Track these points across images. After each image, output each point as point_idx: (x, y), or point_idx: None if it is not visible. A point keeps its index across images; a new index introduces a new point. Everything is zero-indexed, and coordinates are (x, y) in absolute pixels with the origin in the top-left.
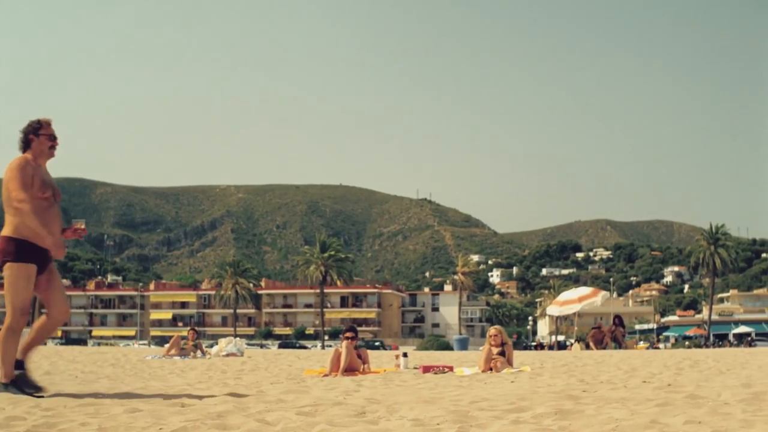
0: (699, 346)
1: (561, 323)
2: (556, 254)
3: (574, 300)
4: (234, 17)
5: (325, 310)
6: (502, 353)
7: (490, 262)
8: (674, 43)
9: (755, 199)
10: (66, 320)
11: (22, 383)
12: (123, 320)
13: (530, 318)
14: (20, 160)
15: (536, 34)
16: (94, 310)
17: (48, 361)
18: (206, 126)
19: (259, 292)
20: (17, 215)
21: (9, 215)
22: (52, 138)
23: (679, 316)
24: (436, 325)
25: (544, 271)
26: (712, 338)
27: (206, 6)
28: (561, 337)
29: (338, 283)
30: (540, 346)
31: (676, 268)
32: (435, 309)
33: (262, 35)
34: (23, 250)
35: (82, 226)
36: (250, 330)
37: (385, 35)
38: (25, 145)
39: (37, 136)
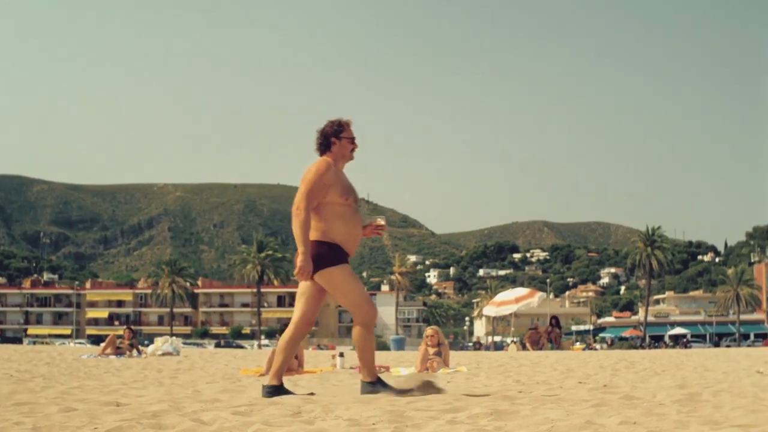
0: (635, 347)
1: (498, 324)
2: (493, 255)
3: (511, 301)
4: (168, 16)
5: (261, 309)
6: (438, 353)
7: (427, 262)
8: (610, 41)
9: (692, 201)
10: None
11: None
12: (59, 319)
13: (467, 318)
14: (323, 164)
15: (473, 32)
16: (29, 309)
17: None
18: (144, 124)
19: (196, 291)
20: (321, 220)
21: (313, 220)
22: (353, 141)
23: (616, 317)
24: None
25: (481, 272)
26: (647, 339)
27: (141, 3)
28: (498, 338)
29: (275, 282)
30: (478, 344)
31: (613, 270)
32: None
33: (198, 32)
34: (338, 252)
35: (383, 223)
36: (187, 329)
37: (324, 34)
38: (325, 147)
39: (339, 139)
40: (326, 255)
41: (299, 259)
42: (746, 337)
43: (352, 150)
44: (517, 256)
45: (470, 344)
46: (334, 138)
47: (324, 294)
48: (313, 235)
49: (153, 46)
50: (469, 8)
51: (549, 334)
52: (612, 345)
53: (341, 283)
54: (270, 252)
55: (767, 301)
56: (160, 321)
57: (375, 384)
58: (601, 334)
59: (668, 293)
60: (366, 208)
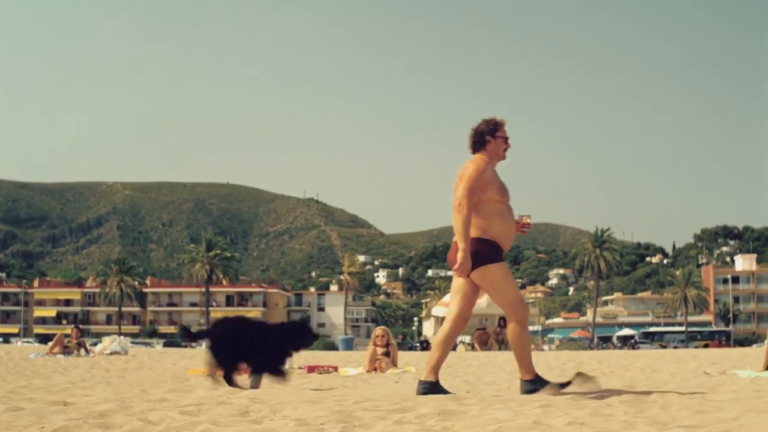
0: (583, 348)
1: None
2: (442, 255)
3: None
4: (111, 10)
5: (210, 308)
6: (387, 353)
7: (376, 262)
8: (555, 41)
9: (640, 203)
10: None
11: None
12: (6, 317)
13: (416, 319)
14: (482, 161)
15: (420, 31)
16: None
17: None
18: (93, 122)
19: (145, 290)
20: (479, 217)
21: (473, 217)
22: (507, 140)
23: (564, 318)
24: (321, 325)
25: (430, 272)
26: (596, 340)
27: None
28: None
29: (224, 281)
30: (426, 343)
31: (562, 271)
32: (321, 309)
33: (146, 29)
34: (496, 250)
35: (529, 221)
36: (135, 328)
37: (269, 34)
38: (480, 145)
39: (495, 138)
40: (485, 252)
41: (460, 256)
42: (693, 338)
43: (506, 149)
44: None
45: (417, 344)
46: (490, 136)
47: (478, 291)
48: (472, 232)
49: (99, 42)
50: (413, 5)
51: (497, 335)
52: (560, 345)
53: (499, 281)
54: (219, 251)
55: (714, 302)
56: (109, 320)
57: (535, 381)
58: (550, 335)
59: (616, 294)
60: (315, 207)
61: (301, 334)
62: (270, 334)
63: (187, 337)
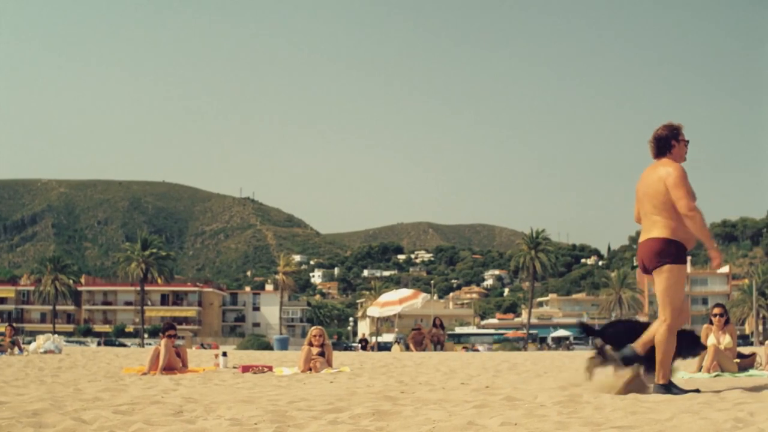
0: (518, 348)
1: (381, 324)
2: (377, 256)
3: (395, 301)
4: (55, 8)
5: (145, 307)
6: (321, 353)
7: (311, 262)
8: (491, 40)
9: (576, 205)
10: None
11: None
12: None
13: (351, 319)
14: (681, 167)
15: (356, 29)
16: None
17: None
18: (28, 118)
19: (79, 288)
20: (672, 219)
21: (663, 218)
22: (687, 143)
23: (499, 319)
24: (256, 325)
25: (365, 273)
26: (530, 341)
27: None
28: (382, 338)
29: (159, 280)
30: (364, 341)
31: (497, 272)
32: (256, 308)
33: (87, 25)
34: (681, 252)
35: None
36: (69, 327)
37: (205, 34)
38: (666, 149)
39: (678, 142)
40: (672, 252)
41: (715, 255)
42: None
43: (686, 153)
44: (401, 257)
45: (355, 344)
46: (675, 141)
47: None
48: (663, 232)
49: (40, 40)
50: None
51: (432, 336)
52: (495, 347)
53: (674, 283)
54: (154, 250)
55: (649, 304)
56: (43, 318)
57: (669, 387)
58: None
59: (551, 296)
60: (251, 207)
61: (693, 342)
62: None
63: (585, 332)
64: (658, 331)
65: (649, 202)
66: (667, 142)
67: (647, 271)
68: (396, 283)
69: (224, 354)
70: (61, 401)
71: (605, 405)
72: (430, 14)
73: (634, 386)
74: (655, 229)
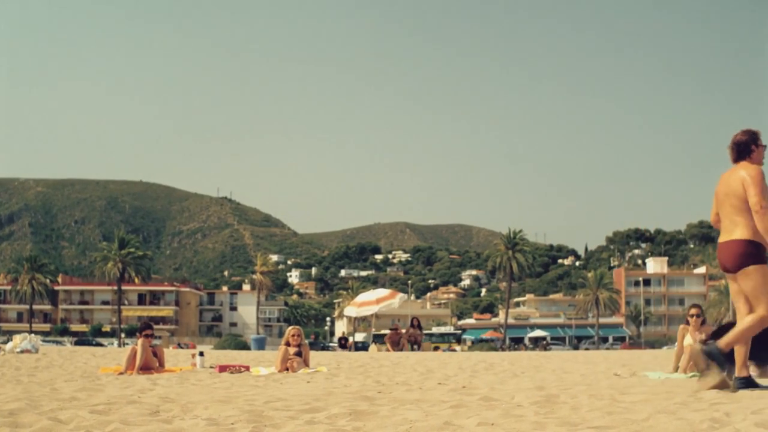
0: (495, 349)
1: (359, 324)
2: (355, 256)
3: (372, 302)
4: (25, 7)
5: (122, 307)
6: (299, 353)
7: (289, 262)
8: (475, 42)
9: (553, 205)
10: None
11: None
12: None
13: (328, 319)
14: (759, 168)
15: (338, 28)
16: None
17: None
18: (4, 117)
19: (56, 288)
20: (754, 216)
21: (743, 218)
22: (765, 148)
23: (476, 319)
24: (233, 324)
25: (342, 272)
26: (508, 341)
27: None
28: (362, 336)
29: (136, 280)
30: (344, 339)
31: (474, 272)
32: (233, 308)
33: (62, 24)
34: (762, 252)
35: None
36: (46, 326)
37: (185, 34)
38: (746, 153)
39: (758, 146)
40: (754, 253)
41: None
42: (605, 340)
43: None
44: (378, 257)
45: (334, 343)
46: (754, 145)
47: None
48: (745, 233)
49: (16, 40)
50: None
51: (410, 336)
52: (472, 346)
53: (762, 283)
54: (131, 250)
55: (626, 304)
56: (19, 318)
57: (749, 380)
58: (462, 336)
59: (528, 296)
60: (228, 207)
61: None
62: None
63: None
64: (749, 317)
65: (730, 204)
66: (747, 147)
67: (728, 271)
68: (373, 283)
69: (201, 354)
70: (37, 401)
71: (582, 405)
72: (405, 15)
73: (719, 385)
74: (737, 230)
